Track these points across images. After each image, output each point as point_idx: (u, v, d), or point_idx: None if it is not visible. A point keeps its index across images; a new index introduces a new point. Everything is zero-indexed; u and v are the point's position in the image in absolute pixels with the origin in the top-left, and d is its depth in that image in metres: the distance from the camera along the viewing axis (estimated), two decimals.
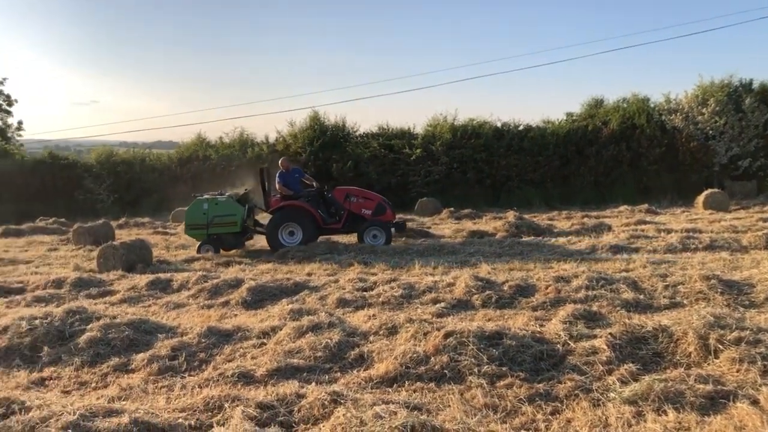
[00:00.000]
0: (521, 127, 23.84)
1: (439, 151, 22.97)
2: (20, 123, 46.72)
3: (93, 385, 4.89)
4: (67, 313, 6.11)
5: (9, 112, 45.98)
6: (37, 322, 5.93)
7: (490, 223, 15.00)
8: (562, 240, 11.51)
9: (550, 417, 3.77)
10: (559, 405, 3.92)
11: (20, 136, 45.58)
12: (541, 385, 4.20)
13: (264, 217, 13.01)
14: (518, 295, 6.88)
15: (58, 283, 8.80)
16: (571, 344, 4.83)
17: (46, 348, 5.58)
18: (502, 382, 4.27)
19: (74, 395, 4.52)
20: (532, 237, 12.18)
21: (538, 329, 5.19)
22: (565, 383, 4.19)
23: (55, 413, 3.52)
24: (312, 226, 12.07)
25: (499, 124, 23.95)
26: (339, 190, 12.69)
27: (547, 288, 6.97)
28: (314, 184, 12.85)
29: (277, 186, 12.43)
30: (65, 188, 27.11)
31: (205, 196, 12.33)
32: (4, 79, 45.46)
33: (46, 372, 5.17)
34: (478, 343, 4.69)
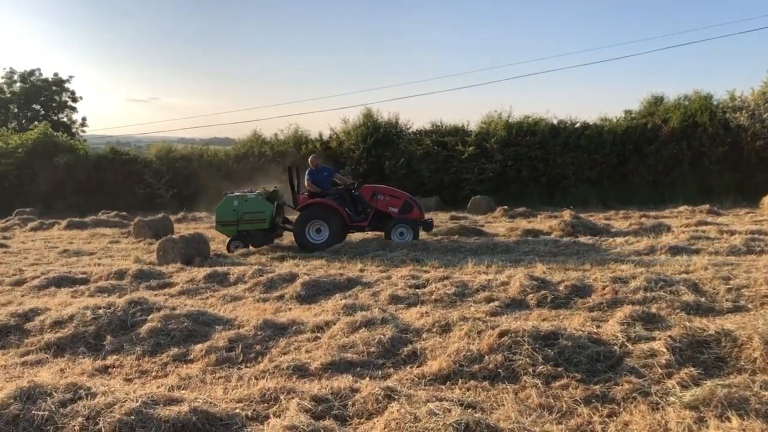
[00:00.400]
0: (578, 125, 23.40)
1: (494, 148, 22.77)
2: (84, 119, 48.55)
3: (153, 373, 5.04)
4: (129, 303, 6.31)
5: (74, 109, 47.86)
6: (100, 311, 6.15)
7: (545, 222, 14.81)
8: (619, 240, 11.25)
9: (606, 419, 3.71)
10: (616, 407, 3.84)
11: (84, 132, 47.39)
12: (597, 386, 4.13)
13: (294, 215, 13.15)
14: (574, 295, 6.77)
15: (120, 275, 9.09)
16: (629, 346, 4.73)
17: (109, 337, 5.77)
18: (557, 383, 4.22)
19: (136, 383, 4.67)
20: (589, 237, 11.94)
21: (595, 330, 5.10)
22: (622, 385, 4.11)
23: (119, 399, 3.64)
24: (339, 223, 12.10)
25: (555, 122, 23.59)
26: (366, 188, 12.67)
27: (603, 289, 6.84)
28: (348, 181, 12.97)
29: (306, 184, 12.54)
30: (126, 183, 27.98)
31: (236, 194, 12.58)
32: (70, 77, 47.42)
33: (109, 360, 5.35)
34: (533, 343, 4.64)
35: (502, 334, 4.80)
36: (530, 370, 4.38)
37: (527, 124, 23.24)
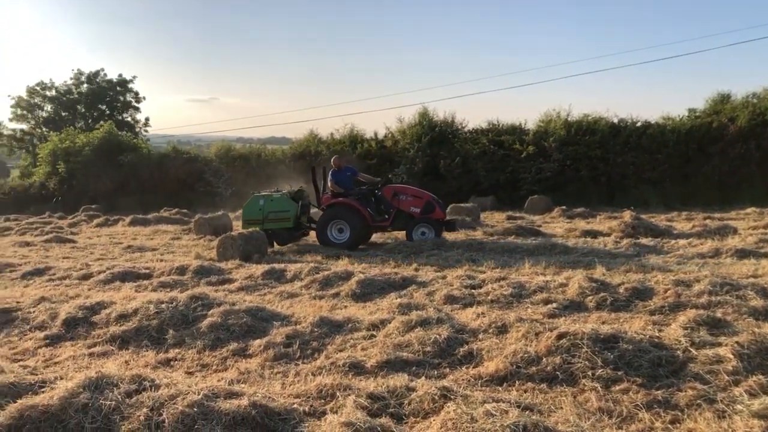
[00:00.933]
0: (639, 124, 22.83)
1: (552, 147, 22.42)
2: (147, 119, 50.07)
3: (214, 367, 5.16)
4: (190, 298, 6.47)
5: (137, 109, 49.41)
6: (163, 306, 6.33)
7: (605, 223, 14.51)
8: (682, 242, 10.93)
9: (669, 426, 3.61)
10: (680, 414, 3.74)
11: (146, 131, 48.87)
12: (659, 392, 4.02)
13: (319, 215, 13.23)
14: (635, 298, 6.60)
15: (181, 270, 9.33)
16: (693, 351, 4.59)
17: (171, 330, 5.93)
18: (617, 387, 4.13)
19: (197, 376, 4.80)
20: (650, 238, 11.64)
21: (657, 334, 4.96)
22: (686, 392, 3.99)
23: (182, 392, 3.74)
24: (360, 223, 12.12)
25: (615, 120, 23.08)
26: (388, 188, 12.59)
27: (666, 292, 6.65)
28: (374, 180, 13.00)
29: (329, 184, 12.61)
30: (187, 181, 28.70)
31: (262, 193, 12.89)
32: (134, 77, 48.96)
33: (172, 353, 5.50)
34: (593, 346, 4.55)
35: (560, 336, 4.73)
36: (589, 373, 4.30)
37: (587, 123, 22.81)
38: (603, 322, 5.69)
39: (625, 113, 23.33)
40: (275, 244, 12.58)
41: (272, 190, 13.24)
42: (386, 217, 12.34)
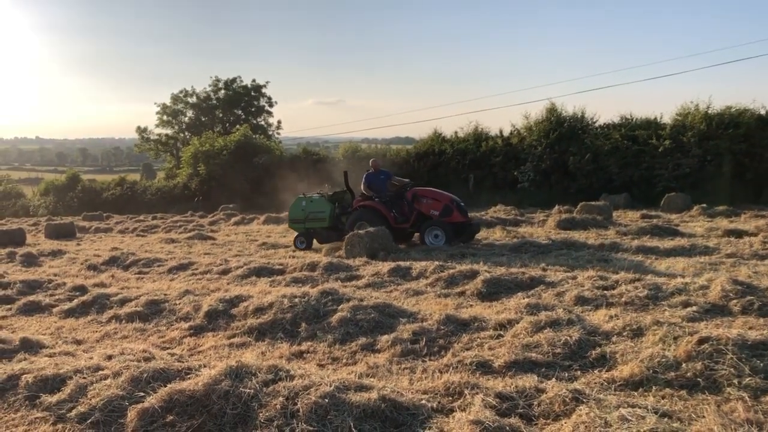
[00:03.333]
0: None
1: (691, 142, 21.10)
2: (279, 122, 52.32)
3: (344, 361, 5.31)
4: (321, 293, 6.70)
5: (270, 113, 51.72)
6: (296, 300, 6.60)
7: (750, 222, 13.49)
8: None
9: None
10: None
11: (279, 134, 51.07)
12: None
13: None
14: None
15: (312, 267, 9.66)
16: None
17: (303, 324, 6.18)
18: (767, 398, 3.83)
19: (328, 369, 4.96)
20: None
21: None
22: None
23: (315, 383, 3.89)
24: (382, 225, 12.06)
25: (763, 112, 21.35)
26: (410, 191, 12.50)
27: None
28: (405, 182, 12.93)
29: (362, 186, 12.84)
30: (317, 181, 29.69)
31: (306, 195, 13.60)
32: (267, 82, 51.30)
33: (304, 346, 5.73)
34: (739, 352, 4.25)
35: (701, 341, 4.45)
36: (735, 381, 4.02)
37: (729, 116, 21.26)
38: (750, 328, 5.29)
39: None
40: (315, 241, 13.35)
41: (318, 192, 14.00)
42: (408, 219, 12.38)
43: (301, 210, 13.50)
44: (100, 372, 4.54)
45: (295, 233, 13.86)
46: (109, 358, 4.99)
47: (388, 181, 13.10)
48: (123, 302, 7.77)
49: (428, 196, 12.43)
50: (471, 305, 7.07)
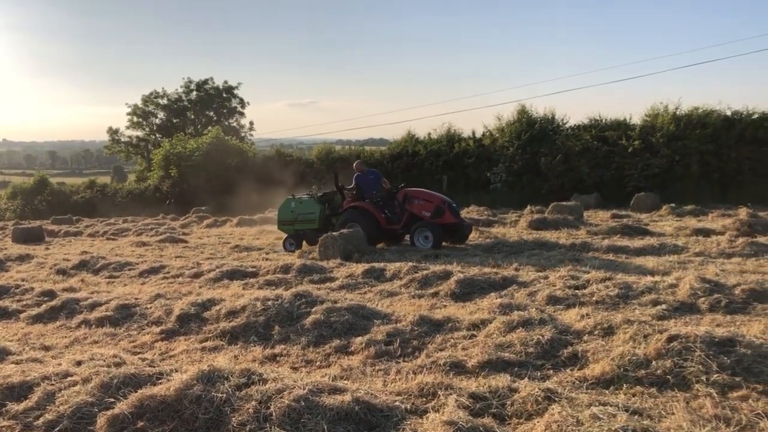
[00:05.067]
0: (756, 116, 21.40)
1: (660, 142, 21.43)
2: (252, 123, 52.05)
3: (317, 363, 5.29)
4: (294, 296, 6.67)
5: (242, 114, 51.42)
6: (269, 303, 6.55)
7: (718, 221, 13.75)
8: None
9: None
10: None
11: (251, 135, 50.77)
12: None
13: None
14: (752, 299, 6.23)
15: (286, 269, 9.60)
16: None
17: (277, 327, 6.14)
18: (735, 394, 3.90)
19: (302, 372, 4.93)
20: None
21: None
22: None
23: (288, 386, 3.86)
24: (373, 226, 12.13)
25: (728, 113, 21.76)
26: (401, 191, 12.44)
27: None
28: (386, 185, 12.92)
29: (350, 190, 12.87)
30: (289, 182, 29.57)
31: (295, 196, 13.39)
32: (239, 83, 50.99)
33: (278, 349, 5.69)
34: (707, 350, 4.32)
35: (671, 339, 4.52)
36: (703, 378, 4.09)
37: (697, 116, 21.63)
38: (717, 325, 5.40)
39: (740, 105, 21.98)
40: (304, 244, 12.97)
41: (306, 193, 13.78)
42: (399, 220, 12.32)
43: (290, 211, 13.28)
44: (69, 378, 4.46)
45: (285, 235, 13.59)
46: (79, 363, 4.90)
47: (378, 181, 13.03)
48: (93, 307, 7.63)
49: (420, 196, 12.32)
50: (445, 306, 7.09)
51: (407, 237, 12.61)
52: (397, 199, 12.41)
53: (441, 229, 11.86)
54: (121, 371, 4.36)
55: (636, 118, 23.46)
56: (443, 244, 11.97)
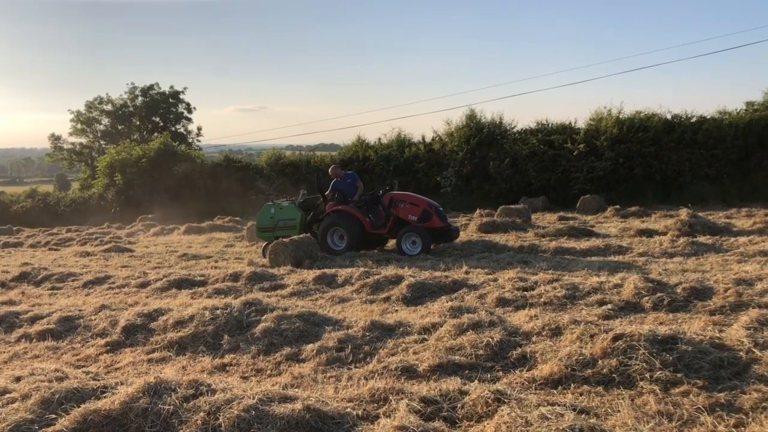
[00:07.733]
0: (694, 119, 22.16)
1: (604, 145, 21.96)
2: (200, 129, 51.26)
3: (268, 372, 5.23)
4: (244, 304, 6.57)
5: (189, 119, 50.59)
6: (218, 312, 6.45)
7: (660, 222, 14.17)
8: (742, 240, 10.59)
9: (733, 429, 3.49)
10: (744, 417, 3.61)
11: (199, 141, 49.98)
12: (722, 394, 3.90)
13: None
14: (693, 298, 6.43)
15: (235, 277, 9.47)
16: (757, 352, 4.44)
17: (226, 336, 6.04)
18: (677, 389, 4.02)
19: (252, 381, 4.86)
20: (708, 237, 11.29)
21: (718, 335, 4.82)
22: (750, 394, 3.86)
23: (237, 396, 3.80)
24: (357, 230, 12.02)
25: (669, 116, 22.46)
26: (387, 195, 12.24)
27: (726, 291, 6.45)
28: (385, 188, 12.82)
29: (329, 196, 12.64)
30: (239, 189, 29.21)
31: (274, 202, 13.08)
32: (185, 88, 50.15)
33: (227, 358, 5.60)
34: (650, 348, 4.44)
35: (616, 338, 4.63)
36: (647, 375, 4.20)
37: (639, 120, 22.25)
38: (660, 323, 5.56)
39: (679, 109, 22.73)
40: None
41: (286, 199, 13.48)
42: (384, 224, 12.13)
43: (269, 218, 12.78)
44: (7, 395, 4.29)
45: (264, 242, 13.15)
46: (18, 379, 4.72)
47: (357, 184, 12.77)
48: (34, 320, 7.37)
49: (406, 200, 12.06)
50: (396, 310, 7.11)
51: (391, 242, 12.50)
52: (382, 202, 12.14)
53: (429, 233, 11.64)
54: (63, 386, 4.21)
55: (581, 122, 24.03)
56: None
